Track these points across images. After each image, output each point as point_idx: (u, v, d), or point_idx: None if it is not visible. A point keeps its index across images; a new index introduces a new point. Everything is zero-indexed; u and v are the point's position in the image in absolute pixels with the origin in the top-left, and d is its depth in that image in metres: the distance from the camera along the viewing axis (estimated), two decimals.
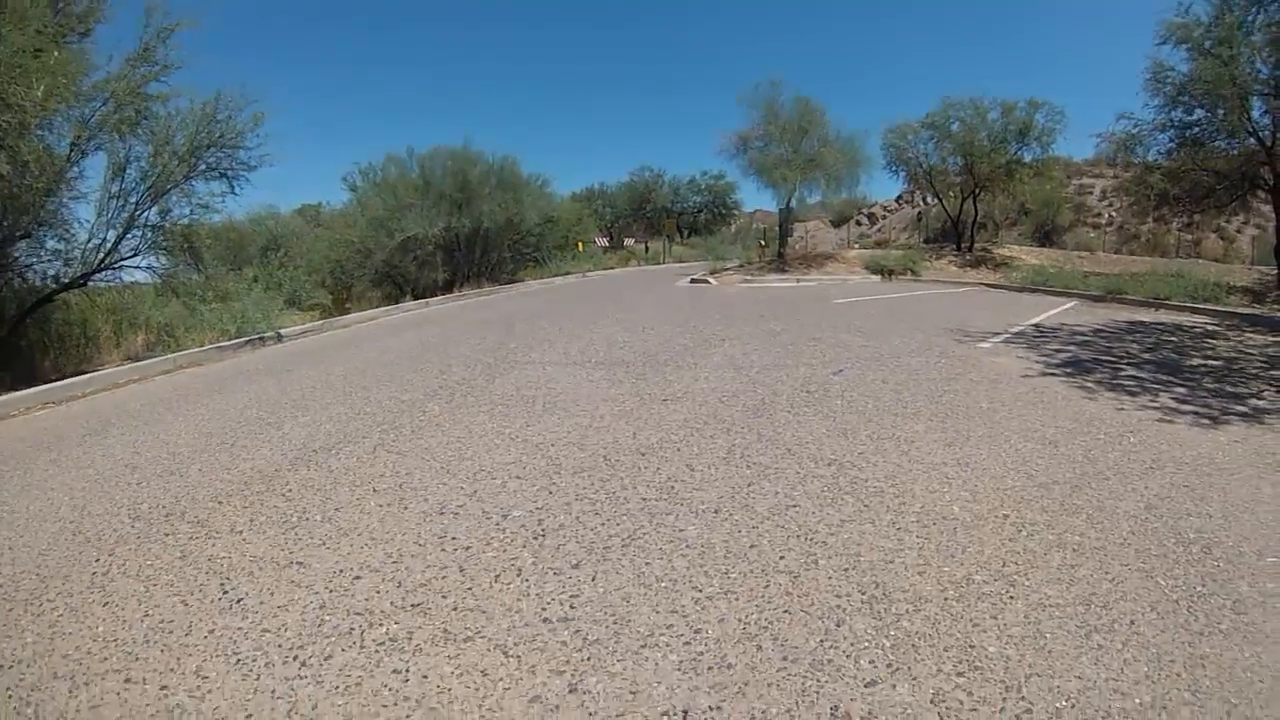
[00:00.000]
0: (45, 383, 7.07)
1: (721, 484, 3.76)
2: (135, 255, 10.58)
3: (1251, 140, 13.87)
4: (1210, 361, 7.15)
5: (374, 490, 3.83)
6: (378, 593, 2.71)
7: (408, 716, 2.01)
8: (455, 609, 2.57)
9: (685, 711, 2.00)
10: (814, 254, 23.60)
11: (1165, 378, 6.28)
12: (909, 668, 2.20)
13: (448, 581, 2.78)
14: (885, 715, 1.99)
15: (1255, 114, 13.58)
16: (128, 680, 2.25)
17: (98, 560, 3.13)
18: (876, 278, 19.93)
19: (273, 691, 2.15)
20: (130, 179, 10.30)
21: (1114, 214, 35.57)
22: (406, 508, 3.56)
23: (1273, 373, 6.57)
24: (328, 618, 2.55)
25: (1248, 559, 2.90)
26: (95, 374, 7.42)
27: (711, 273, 20.93)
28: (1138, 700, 2.04)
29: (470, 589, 2.71)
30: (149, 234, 10.55)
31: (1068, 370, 6.62)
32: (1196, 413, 5.12)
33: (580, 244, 25.47)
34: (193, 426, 5.37)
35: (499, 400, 5.80)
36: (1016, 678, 2.15)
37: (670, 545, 3.04)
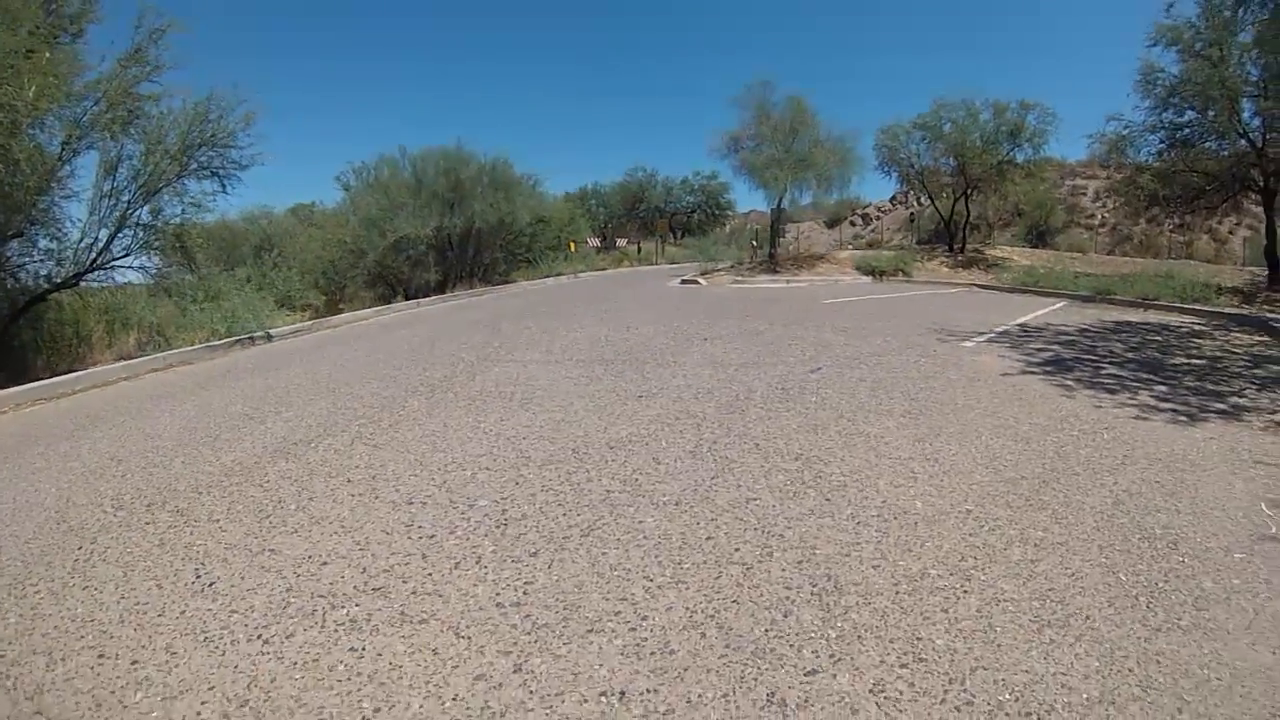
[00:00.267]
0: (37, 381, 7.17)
1: (685, 477, 3.87)
2: (127, 255, 10.67)
3: (1242, 142, 13.98)
4: (1193, 360, 7.18)
5: (348, 481, 3.95)
6: (342, 577, 2.84)
7: (359, 690, 2.13)
8: (414, 593, 2.69)
9: (622, 692, 2.08)
10: (805, 255, 23.74)
11: (1146, 376, 6.32)
12: (852, 658, 2.24)
13: (410, 567, 2.90)
14: (822, 703, 2.04)
15: (1245, 115, 13.72)
16: (101, 656, 2.38)
17: (79, 548, 3.25)
18: (868, 279, 20.03)
19: (235, 666, 2.28)
20: (122, 178, 10.40)
21: (1107, 215, 35.76)
22: (377, 498, 3.69)
23: (1255, 371, 6.60)
24: (293, 600, 2.68)
25: (1214, 555, 2.92)
26: (85, 372, 7.53)
27: (702, 273, 21.04)
28: (1085, 695, 2.05)
29: (430, 574, 2.83)
30: (141, 233, 10.64)
31: (1048, 369, 6.68)
32: (1174, 410, 5.16)
33: (572, 244, 25.55)
34: (178, 422, 5.48)
35: (477, 396, 5.92)
36: (961, 670, 2.17)
37: (628, 536, 3.15)
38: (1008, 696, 2.05)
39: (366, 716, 2.00)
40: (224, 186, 11.27)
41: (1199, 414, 5.06)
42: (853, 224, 45.93)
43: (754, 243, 25.84)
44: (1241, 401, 5.41)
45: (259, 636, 2.44)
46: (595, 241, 30.15)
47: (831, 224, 45.55)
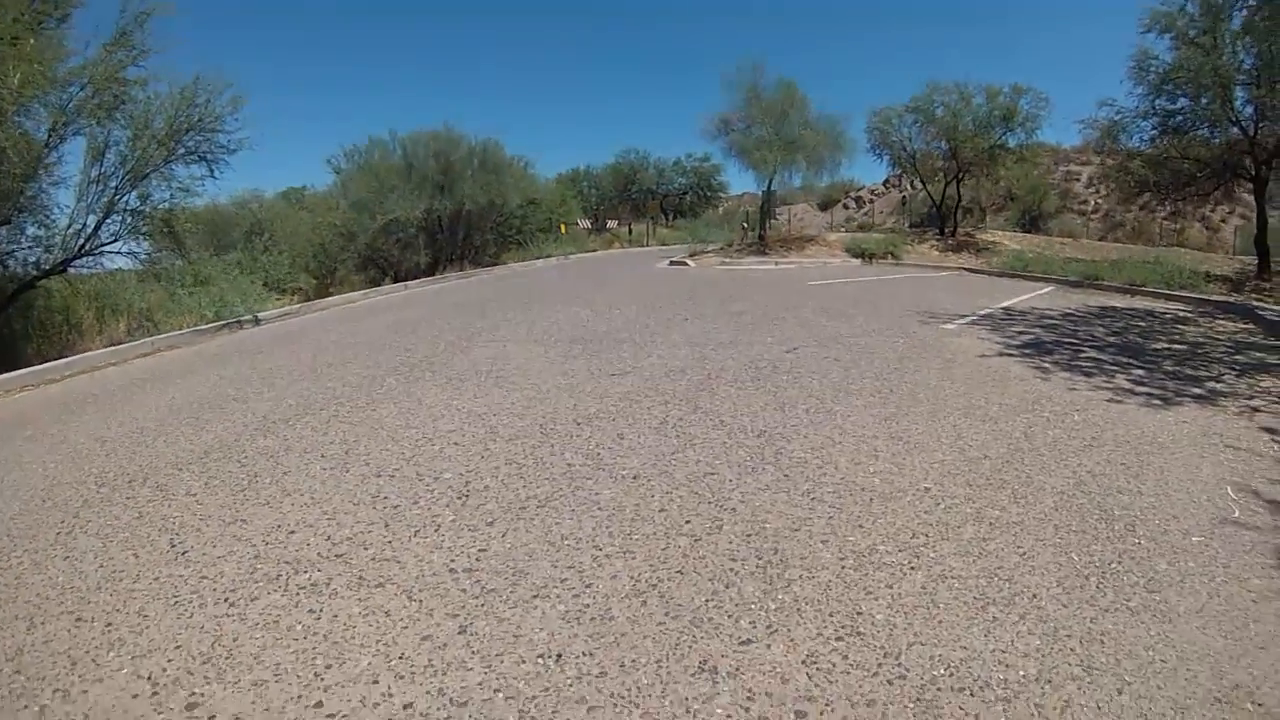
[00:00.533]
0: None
1: (647, 452, 4.01)
2: (116, 240, 10.71)
3: (1234, 130, 13.90)
4: (1175, 346, 7.19)
5: (322, 456, 4.10)
6: (308, 545, 2.99)
7: (314, 648, 2.27)
8: (374, 559, 2.84)
9: (559, 655, 2.18)
10: (795, 237, 23.80)
11: (1126, 360, 6.35)
12: (788, 630, 2.29)
13: (372, 535, 3.06)
14: (752, 672, 2.09)
15: (1238, 103, 13.63)
16: (78, 619, 2.53)
17: (63, 522, 3.39)
18: (857, 261, 20.11)
19: (201, 627, 2.43)
20: (109, 164, 10.41)
21: (1100, 201, 35.76)
22: (348, 471, 3.84)
23: (1236, 358, 6.58)
24: (260, 566, 2.83)
25: (1172, 537, 2.93)
26: (74, 358, 7.64)
27: (691, 255, 21.13)
28: (1022, 673, 2.08)
29: (390, 542, 2.99)
30: (129, 218, 10.69)
31: (1027, 351, 6.73)
32: (1150, 394, 5.19)
33: (563, 227, 25.59)
34: (164, 404, 5.61)
35: (455, 375, 6.06)
36: (898, 645, 2.20)
37: (583, 507, 3.28)
38: (942, 671, 2.08)
39: (318, 672, 2.14)
40: (211, 171, 11.28)
41: (1174, 398, 5.08)
42: (846, 207, 45.93)
43: (744, 225, 25.89)
44: (1219, 387, 5.42)
45: (225, 600, 2.59)
46: (586, 223, 30.12)
47: (825, 207, 45.54)
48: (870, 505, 3.23)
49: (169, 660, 2.25)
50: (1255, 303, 10.44)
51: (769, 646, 2.21)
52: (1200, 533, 2.98)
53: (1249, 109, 13.59)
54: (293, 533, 3.12)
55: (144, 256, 11.26)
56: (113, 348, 8.22)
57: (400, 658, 2.20)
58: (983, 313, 9.48)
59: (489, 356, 6.81)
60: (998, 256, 19.33)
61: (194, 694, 2.08)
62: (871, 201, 45.92)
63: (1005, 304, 10.53)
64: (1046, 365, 6.12)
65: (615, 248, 28.97)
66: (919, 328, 8.12)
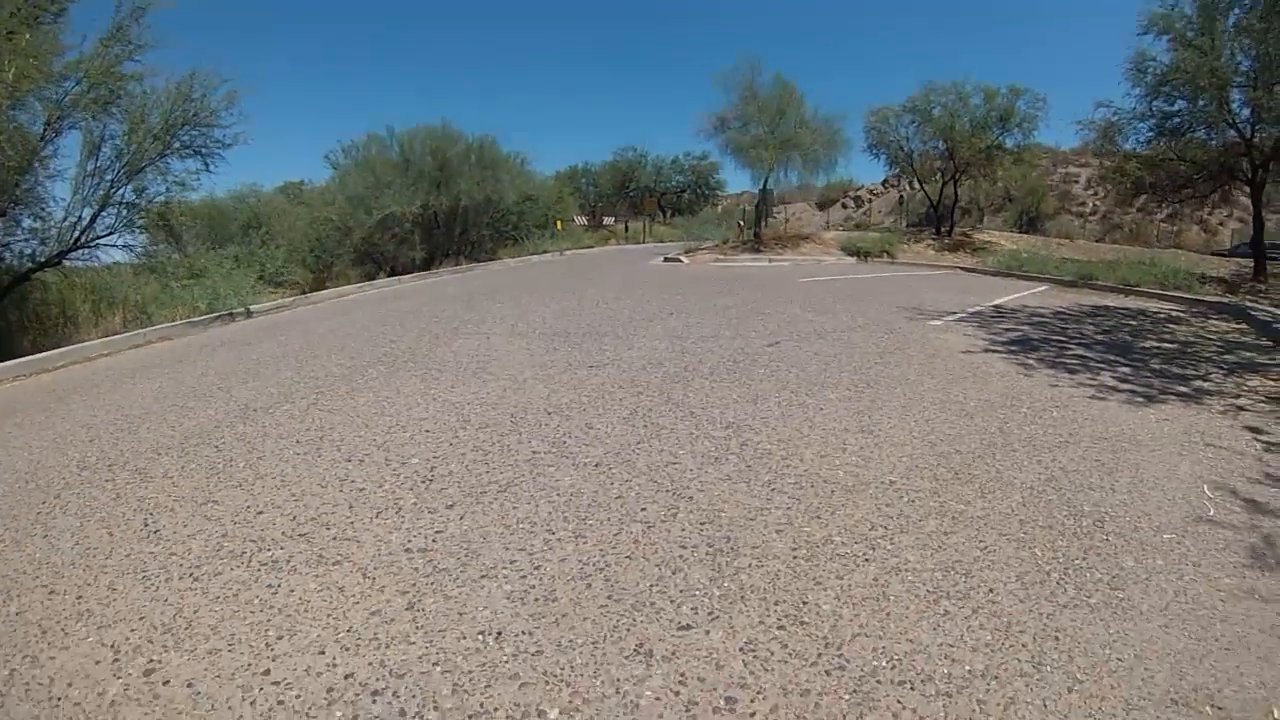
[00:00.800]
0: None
1: (612, 441, 4.10)
2: (111, 234, 10.82)
3: (1231, 132, 13.93)
4: (1165, 345, 7.15)
5: (296, 442, 4.22)
6: (273, 524, 3.11)
7: (268, 620, 2.39)
8: (335, 538, 2.96)
9: (499, 633, 2.24)
10: (790, 235, 23.87)
11: (1113, 358, 6.32)
12: (730, 617, 2.30)
13: (335, 516, 3.17)
14: (688, 657, 2.10)
15: (1235, 106, 13.63)
16: (52, 593, 2.64)
17: (44, 502, 3.51)
18: (852, 259, 20.18)
19: (165, 600, 2.55)
20: (105, 157, 10.53)
21: (1098, 203, 35.85)
22: (320, 456, 3.96)
23: (1226, 357, 6.54)
24: (226, 544, 2.95)
25: (1142, 534, 2.90)
26: (66, 349, 7.74)
27: (686, 252, 21.20)
28: (969, 668, 2.05)
29: (352, 522, 3.10)
30: (124, 212, 10.80)
31: (1013, 348, 6.72)
32: (1134, 391, 5.16)
33: (559, 223, 25.69)
34: (150, 393, 5.73)
35: (435, 366, 6.18)
36: (841, 636, 2.19)
37: (541, 493, 3.37)
38: (884, 664, 2.07)
39: (269, 642, 2.25)
40: (207, 165, 11.41)
41: (1158, 396, 5.05)
42: (844, 206, 45.99)
43: (740, 223, 25.98)
44: (1206, 385, 5.39)
45: (190, 575, 2.71)
46: (582, 220, 30.20)
47: (823, 206, 45.60)
48: (831, 497, 3.24)
49: (132, 630, 2.37)
50: (1249, 303, 10.43)
51: (708, 633, 2.23)
52: (1172, 530, 2.96)
53: (1246, 111, 13.61)
54: (261, 513, 3.23)
55: (140, 250, 11.38)
56: (105, 339, 8.33)
57: (348, 631, 2.30)
58: (972, 310, 9.49)
59: (471, 349, 6.92)
60: (993, 256, 19.37)
61: (152, 661, 2.19)
62: (870, 201, 45.99)
63: (996, 302, 10.51)
64: (1031, 362, 6.11)
65: (611, 244, 29.06)
66: (905, 324, 8.15)
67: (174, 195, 11.01)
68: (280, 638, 2.28)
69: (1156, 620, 2.32)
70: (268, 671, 2.11)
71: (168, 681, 2.09)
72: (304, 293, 13.32)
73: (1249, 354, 6.74)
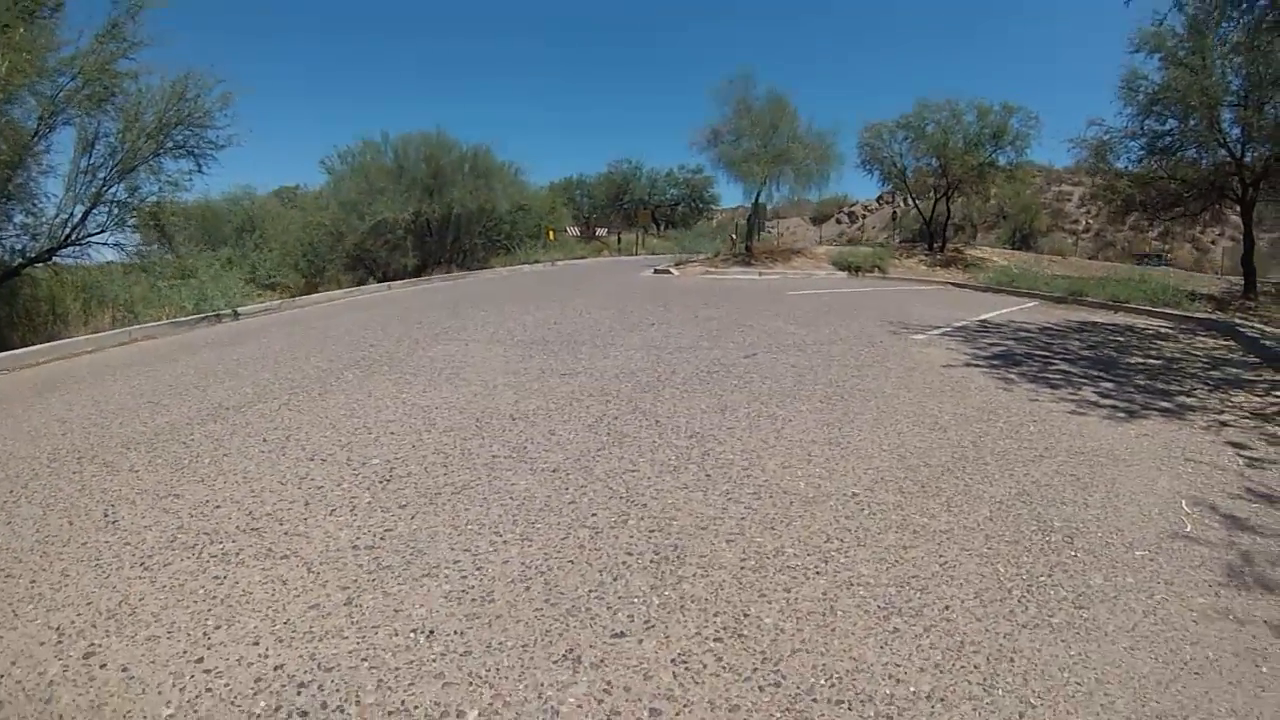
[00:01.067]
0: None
1: (573, 447, 4.15)
2: (103, 231, 10.90)
3: (1222, 151, 14.11)
4: (1150, 360, 7.11)
5: (263, 440, 4.29)
6: (229, 519, 3.18)
7: (209, 610, 2.45)
8: (286, 533, 3.03)
9: (431, 631, 2.25)
10: (781, 249, 24.05)
11: (1096, 373, 6.28)
12: (666, 626, 2.26)
13: (290, 512, 3.24)
14: (616, 666, 2.07)
15: (1225, 124, 13.83)
16: (8, 576, 2.71)
17: (10, 491, 3.58)
18: (843, 274, 20.29)
19: (114, 587, 2.62)
20: (99, 155, 10.63)
21: (1091, 221, 36.15)
22: (284, 454, 4.03)
23: (1211, 373, 6.50)
24: (180, 536, 3.02)
25: (1114, 551, 2.83)
26: (50, 345, 7.81)
27: (676, 264, 21.33)
28: (913, 689, 1.97)
29: (305, 519, 3.17)
30: (116, 210, 10.88)
31: (995, 363, 6.70)
32: (1115, 406, 5.11)
33: (551, 233, 25.80)
34: (128, 390, 5.80)
35: (410, 370, 6.26)
36: (780, 651, 2.14)
37: (495, 496, 3.41)
38: (822, 682, 2.00)
39: (207, 632, 2.32)
40: (200, 166, 11.53)
41: (1140, 411, 5.00)
42: (839, 222, 46.23)
43: (733, 236, 26.13)
44: (1189, 401, 5.33)
45: (141, 564, 2.78)
46: (575, 231, 30.34)
47: (818, 221, 45.83)
48: (789, 508, 3.21)
49: (78, 614, 2.43)
50: (1238, 320, 10.45)
51: (641, 642, 2.19)
52: (1145, 547, 2.88)
53: (1236, 130, 13.82)
54: (218, 507, 3.30)
55: (132, 250, 11.44)
56: (90, 336, 8.39)
57: (285, 623, 2.36)
58: (957, 324, 9.48)
59: (448, 355, 6.99)
60: (984, 272, 19.48)
61: (93, 644, 2.26)
62: (864, 217, 46.27)
63: (983, 317, 10.51)
64: (1012, 376, 6.09)
65: (604, 256, 29.17)
66: (887, 337, 8.16)
67: (166, 195, 11.09)
68: (218, 627, 2.34)
69: (1122, 642, 2.23)
70: (201, 659, 2.17)
71: (105, 665, 2.15)
72: (295, 296, 13.40)
73: (1235, 370, 6.71)
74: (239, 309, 10.43)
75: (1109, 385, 5.80)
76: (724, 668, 2.07)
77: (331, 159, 19.97)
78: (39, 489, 3.60)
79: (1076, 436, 4.36)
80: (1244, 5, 11.92)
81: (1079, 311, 11.97)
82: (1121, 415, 4.88)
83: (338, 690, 2.02)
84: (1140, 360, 7.12)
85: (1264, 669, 2.14)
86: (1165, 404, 5.22)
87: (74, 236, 10.52)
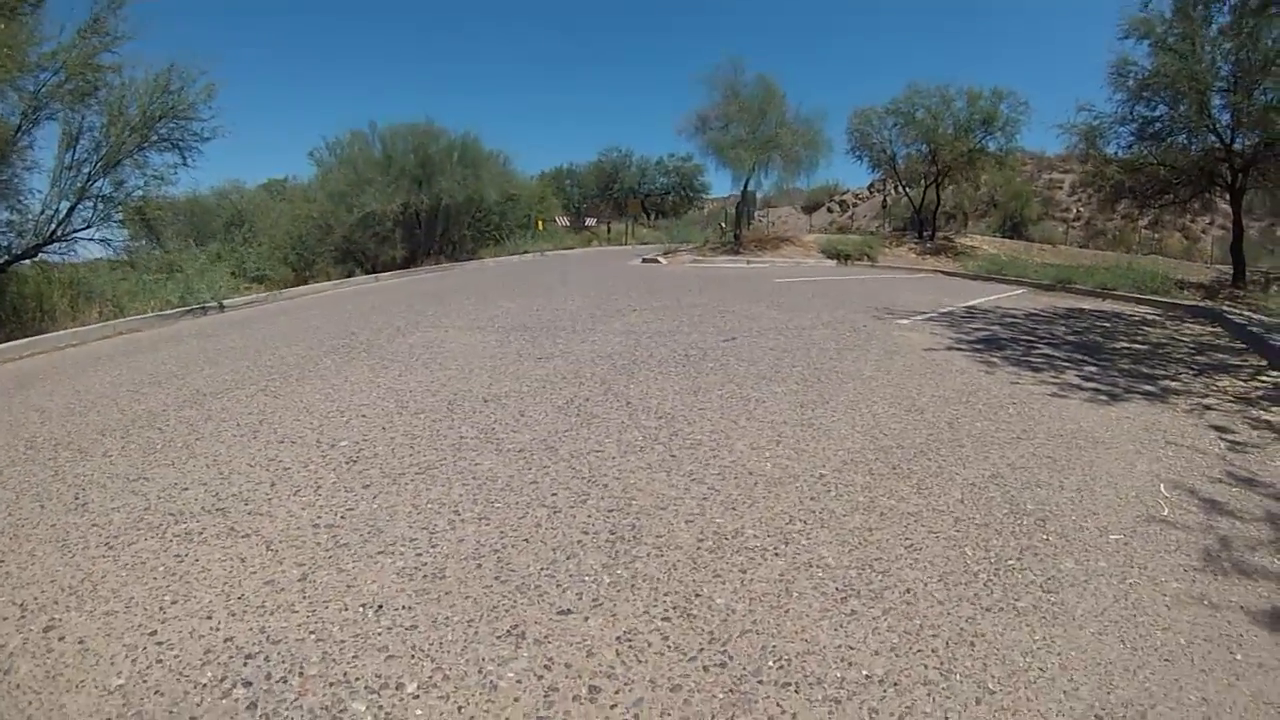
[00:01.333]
0: None
1: (541, 428, 4.20)
2: (89, 227, 10.89)
3: (1211, 137, 14.06)
4: (1136, 345, 7.08)
5: (237, 425, 4.35)
6: (195, 500, 3.24)
7: (167, 586, 2.52)
8: (249, 513, 3.09)
9: (380, 606, 2.29)
10: (771, 236, 24.05)
11: (1080, 358, 6.26)
12: (614, 605, 2.26)
13: (255, 493, 3.30)
14: (559, 642, 2.08)
15: (1215, 110, 13.77)
16: None
17: None
18: (831, 262, 20.35)
19: (78, 566, 2.68)
20: (83, 149, 10.59)
21: (1082, 209, 36.16)
22: (255, 438, 4.09)
23: (1197, 358, 6.48)
24: (147, 517, 3.08)
25: (1088, 534, 2.79)
26: (33, 339, 7.84)
27: (665, 253, 21.36)
28: (865, 673, 1.94)
29: (269, 499, 3.23)
30: (101, 205, 10.87)
31: (978, 346, 6.70)
32: (1097, 390, 5.08)
33: (540, 223, 25.80)
34: (108, 380, 5.85)
35: (387, 356, 6.32)
36: (729, 632, 2.12)
37: (458, 476, 3.46)
38: (770, 664, 1.98)
39: (163, 606, 2.38)
40: (185, 159, 11.47)
41: (1123, 394, 4.98)
42: (830, 211, 46.22)
43: (722, 225, 26.16)
44: (1173, 385, 5.31)
45: (106, 544, 2.85)
46: (565, 221, 30.32)
47: (809, 210, 45.81)
48: (753, 489, 3.20)
49: (42, 591, 2.50)
50: (1226, 307, 10.49)
51: (587, 619, 2.20)
52: (1120, 530, 2.83)
53: (1226, 116, 13.76)
54: (186, 489, 3.36)
55: (120, 245, 11.44)
56: (74, 330, 8.42)
57: (239, 598, 2.42)
58: (943, 310, 9.51)
59: (427, 341, 7.05)
60: (974, 260, 19.54)
61: (53, 619, 2.33)
62: (855, 206, 46.26)
63: (969, 303, 10.54)
64: (994, 360, 6.07)
65: (593, 246, 29.15)
66: (871, 322, 8.18)
67: (152, 189, 11.08)
68: (174, 602, 2.40)
69: (1090, 627, 2.18)
70: (155, 633, 2.23)
71: (63, 638, 2.22)
72: (279, 289, 13.42)
73: (1221, 355, 6.71)
74: (224, 301, 10.46)
75: (1093, 369, 5.79)
76: (669, 647, 2.06)
77: (320, 150, 19.98)
78: (13, 475, 3.65)
79: (1056, 419, 4.34)
80: None
81: (1067, 298, 12.03)
82: (1103, 399, 4.86)
83: (283, 662, 2.07)
84: (1125, 345, 7.11)
85: (1238, 656, 2.08)
86: (1148, 388, 5.21)
87: (60, 233, 10.51)
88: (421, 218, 19.31)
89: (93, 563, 2.70)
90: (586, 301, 10.08)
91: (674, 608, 2.26)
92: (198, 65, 10.99)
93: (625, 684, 1.92)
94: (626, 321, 8.11)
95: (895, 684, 1.90)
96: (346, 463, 3.66)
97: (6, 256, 10.14)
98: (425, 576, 2.49)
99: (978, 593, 2.35)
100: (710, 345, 6.66)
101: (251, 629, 2.24)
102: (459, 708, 1.86)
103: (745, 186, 22.67)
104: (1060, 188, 38.87)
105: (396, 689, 1.94)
